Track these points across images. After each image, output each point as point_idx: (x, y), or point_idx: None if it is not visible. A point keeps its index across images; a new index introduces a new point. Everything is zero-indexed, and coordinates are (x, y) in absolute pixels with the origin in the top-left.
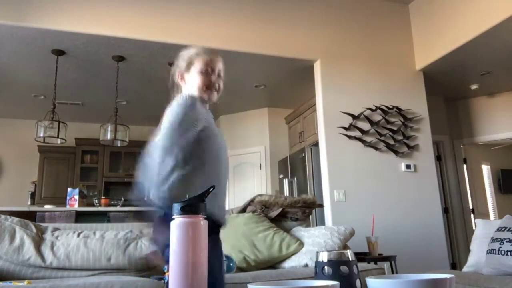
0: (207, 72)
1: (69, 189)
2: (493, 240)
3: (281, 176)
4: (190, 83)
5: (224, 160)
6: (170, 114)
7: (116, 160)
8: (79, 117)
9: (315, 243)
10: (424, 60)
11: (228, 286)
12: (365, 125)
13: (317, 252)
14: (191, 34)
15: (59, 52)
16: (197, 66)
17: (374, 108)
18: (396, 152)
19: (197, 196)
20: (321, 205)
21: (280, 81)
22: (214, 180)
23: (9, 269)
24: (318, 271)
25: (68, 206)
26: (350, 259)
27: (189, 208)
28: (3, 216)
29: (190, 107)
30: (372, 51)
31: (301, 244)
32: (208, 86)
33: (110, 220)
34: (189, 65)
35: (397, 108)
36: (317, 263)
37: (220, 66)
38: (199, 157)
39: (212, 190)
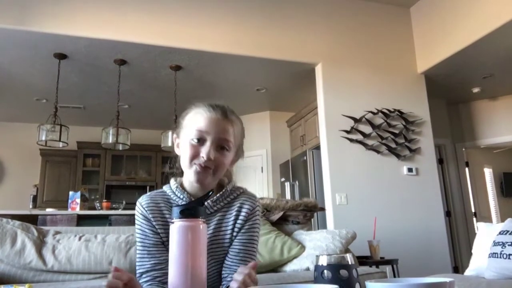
0: (200, 139)
1: (70, 193)
2: (495, 243)
3: (282, 179)
4: (181, 157)
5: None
6: None
7: (118, 163)
8: (81, 120)
9: (316, 246)
10: (426, 63)
11: None
12: (367, 129)
13: (317, 256)
14: (193, 38)
15: (61, 56)
16: (189, 130)
17: (375, 111)
18: (398, 156)
19: (197, 200)
20: (322, 209)
21: (282, 84)
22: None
23: (10, 272)
24: (318, 275)
25: (69, 209)
26: (350, 263)
27: (188, 212)
28: (4, 220)
29: (140, 219)
30: (373, 55)
31: (303, 247)
32: (193, 158)
33: (112, 223)
34: (183, 127)
35: (398, 111)
36: (317, 267)
37: (226, 133)
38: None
39: (211, 194)
